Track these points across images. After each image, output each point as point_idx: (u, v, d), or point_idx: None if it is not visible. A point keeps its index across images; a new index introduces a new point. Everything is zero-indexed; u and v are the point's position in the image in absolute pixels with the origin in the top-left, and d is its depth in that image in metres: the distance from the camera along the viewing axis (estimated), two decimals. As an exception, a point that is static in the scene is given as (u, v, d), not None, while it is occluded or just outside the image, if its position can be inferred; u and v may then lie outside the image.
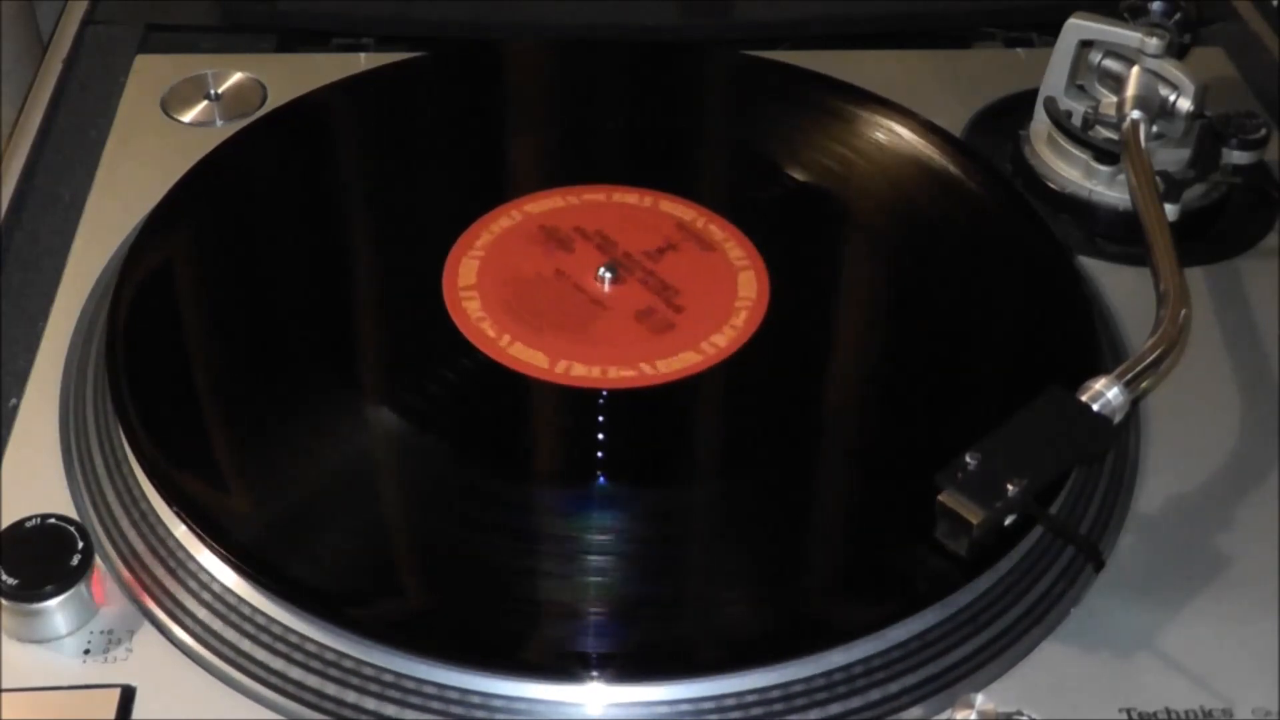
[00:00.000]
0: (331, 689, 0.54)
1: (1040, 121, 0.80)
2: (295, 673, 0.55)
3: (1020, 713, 0.52)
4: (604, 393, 0.64)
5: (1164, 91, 0.75)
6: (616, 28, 0.92)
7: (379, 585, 0.58)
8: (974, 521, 0.55)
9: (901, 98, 0.81)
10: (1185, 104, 0.74)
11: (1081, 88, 0.79)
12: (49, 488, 0.62)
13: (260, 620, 0.56)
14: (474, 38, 0.90)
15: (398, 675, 0.54)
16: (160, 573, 0.58)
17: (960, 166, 0.77)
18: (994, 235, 0.74)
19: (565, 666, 0.54)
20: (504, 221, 0.73)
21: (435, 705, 0.54)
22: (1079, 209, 0.77)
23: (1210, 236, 0.76)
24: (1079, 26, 0.77)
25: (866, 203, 0.76)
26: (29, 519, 0.57)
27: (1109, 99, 0.77)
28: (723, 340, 0.66)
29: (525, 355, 0.66)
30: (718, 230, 0.72)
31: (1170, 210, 0.72)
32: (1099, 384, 0.59)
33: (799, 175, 0.77)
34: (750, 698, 0.54)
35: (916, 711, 0.55)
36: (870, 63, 0.87)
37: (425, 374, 0.65)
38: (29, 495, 0.61)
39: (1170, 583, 0.60)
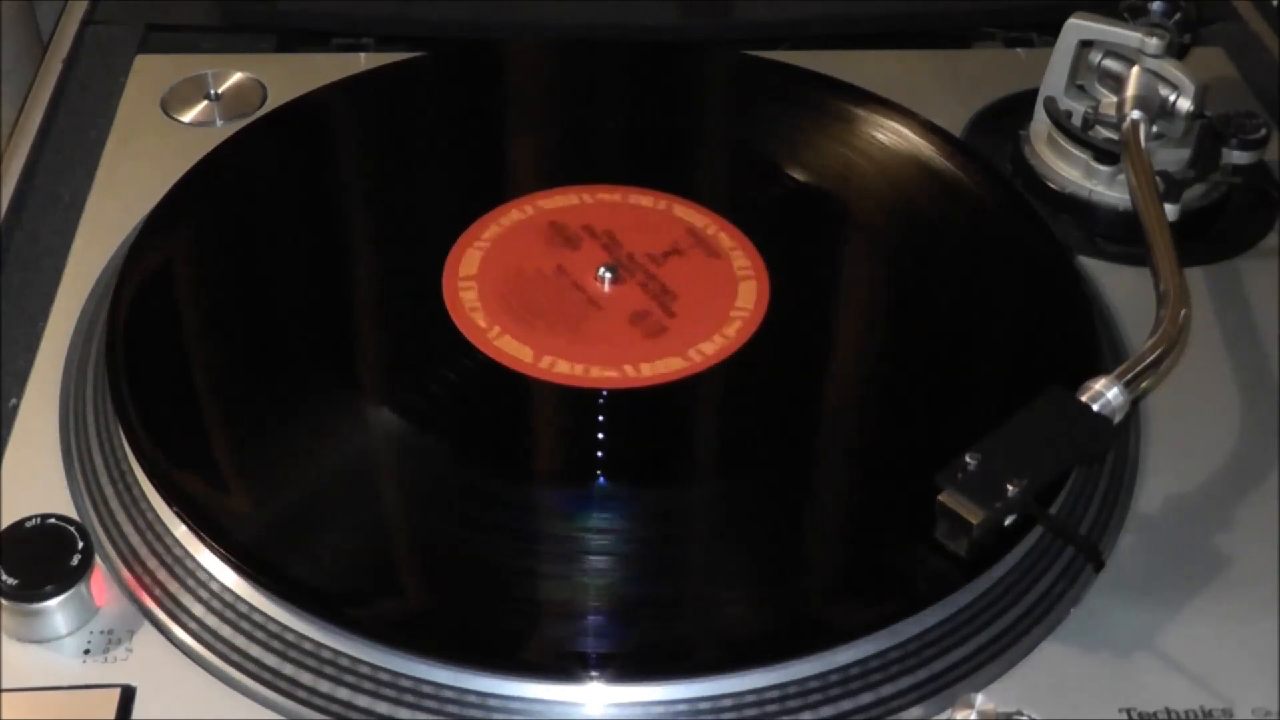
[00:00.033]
0: (331, 689, 0.54)
1: (1040, 121, 0.80)
2: (295, 672, 0.55)
3: (1020, 713, 0.52)
4: (581, 391, 0.64)
5: (1164, 91, 0.75)
6: (616, 28, 0.92)
7: (379, 585, 0.58)
8: (974, 521, 0.55)
9: (901, 98, 0.81)
10: (1185, 104, 0.74)
11: (1081, 88, 0.79)
12: (49, 488, 0.62)
13: (260, 620, 0.56)
14: (474, 38, 0.90)
15: (398, 675, 0.54)
16: (160, 573, 0.58)
17: (960, 166, 0.76)
18: (994, 235, 0.74)
19: (565, 666, 0.54)
20: (515, 215, 0.73)
21: (429, 704, 0.54)
22: (1079, 209, 0.77)
23: (1210, 236, 0.76)
24: (1079, 26, 0.77)
25: (867, 203, 0.76)
26: (29, 519, 0.57)
27: (1109, 99, 0.78)
28: (711, 348, 0.66)
29: (511, 348, 0.66)
30: (727, 239, 0.72)
31: (1170, 210, 0.72)
32: (1099, 384, 0.59)
33: (806, 177, 0.77)
34: (750, 698, 0.54)
35: (916, 711, 0.55)
36: (870, 63, 0.87)
37: (409, 360, 0.66)
38: (29, 495, 0.61)
39: (1170, 583, 0.60)
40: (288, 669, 0.55)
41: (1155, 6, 0.77)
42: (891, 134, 0.78)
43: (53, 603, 0.55)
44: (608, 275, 0.70)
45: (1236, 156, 0.76)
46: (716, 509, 0.61)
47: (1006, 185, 0.77)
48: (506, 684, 0.54)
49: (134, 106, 0.83)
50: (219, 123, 0.83)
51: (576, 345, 0.66)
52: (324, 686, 0.54)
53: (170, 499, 0.59)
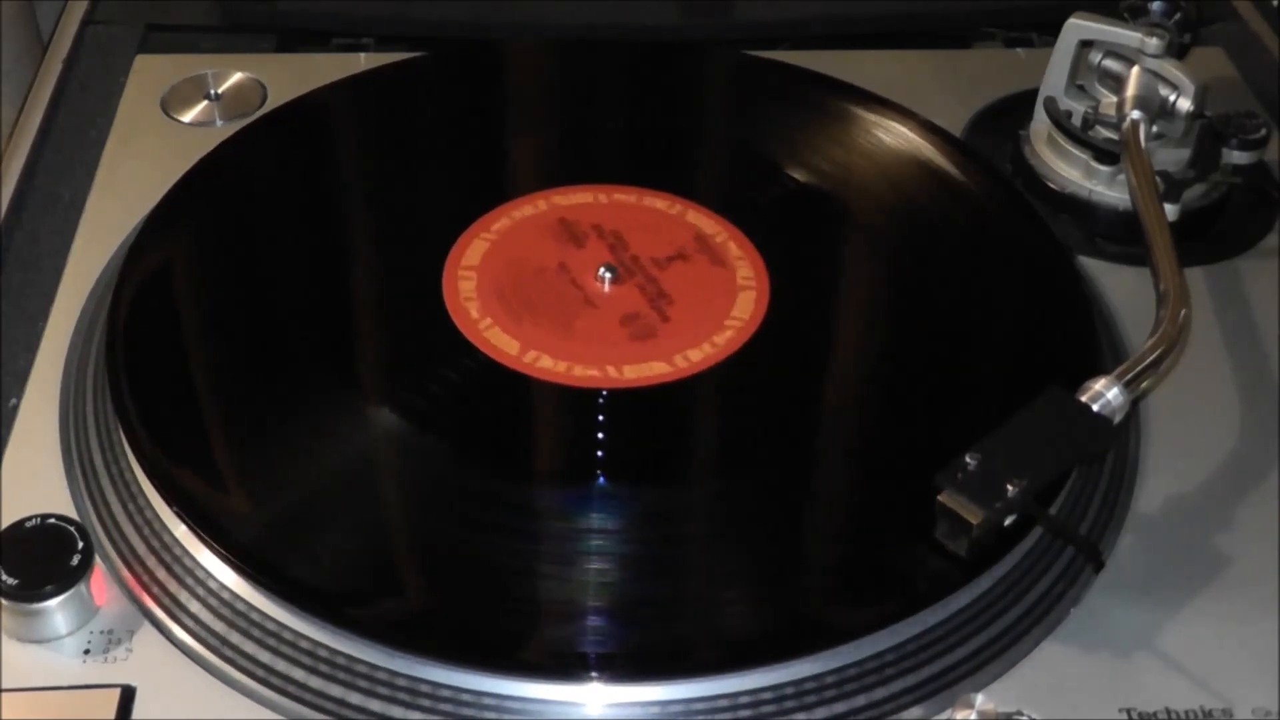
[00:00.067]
0: (331, 688, 0.54)
1: (1040, 121, 0.80)
2: (295, 673, 0.55)
3: (1020, 713, 0.52)
4: (562, 389, 0.64)
5: (1164, 91, 0.75)
6: (616, 28, 0.92)
7: (379, 585, 0.58)
8: (974, 522, 0.55)
9: (901, 98, 0.81)
10: (1185, 104, 0.74)
11: (1081, 88, 0.79)
12: (49, 488, 0.62)
13: (260, 620, 0.56)
14: (474, 38, 0.90)
15: (398, 675, 0.54)
16: (160, 573, 0.58)
17: (960, 166, 0.77)
18: (994, 235, 0.74)
19: (565, 666, 0.54)
20: (527, 209, 0.73)
21: (424, 703, 0.54)
22: (1079, 209, 0.77)
23: (1210, 236, 0.76)
24: (1079, 26, 0.77)
25: (866, 203, 0.76)
26: (29, 519, 0.57)
27: (1109, 99, 0.77)
28: (698, 355, 0.66)
29: (498, 340, 0.66)
30: (735, 248, 0.72)
31: (1170, 210, 0.72)
32: (1099, 384, 0.59)
33: (808, 177, 0.77)
34: (750, 698, 0.54)
35: (916, 711, 0.55)
36: (870, 63, 0.87)
37: (401, 350, 0.66)
38: (29, 495, 0.61)
39: (1170, 583, 0.60)
40: (287, 669, 0.55)
41: (1155, 6, 0.77)
42: (891, 134, 0.78)
43: (53, 603, 0.55)
44: (607, 275, 0.70)
45: (1236, 156, 0.76)
46: (715, 509, 0.61)
47: (1006, 185, 0.77)
48: (506, 684, 0.54)
49: (134, 106, 0.83)
50: (219, 123, 0.83)
51: (564, 342, 0.66)
52: (324, 686, 0.54)
53: (170, 499, 0.59)
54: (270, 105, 0.83)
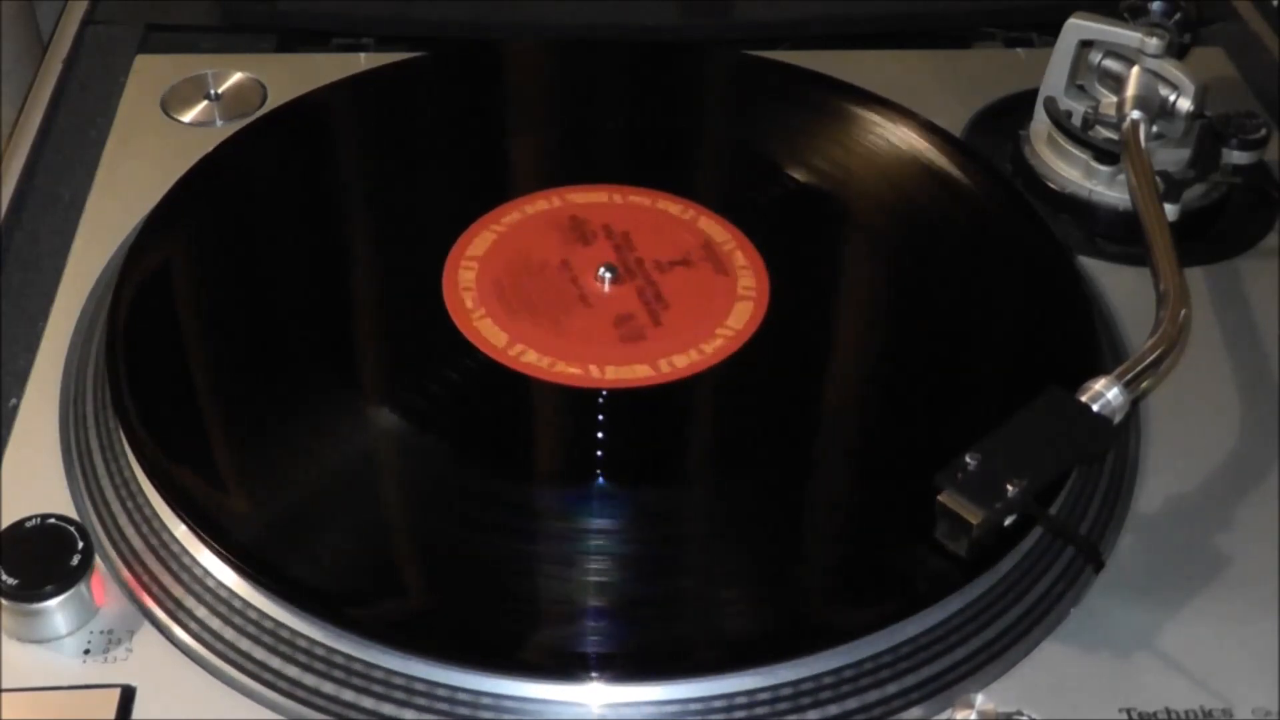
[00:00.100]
0: (331, 688, 0.54)
1: (1040, 121, 0.80)
2: (295, 672, 0.55)
3: (1020, 713, 0.52)
4: (540, 384, 0.64)
5: (1164, 91, 0.75)
6: (616, 28, 0.92)
7: (379, 585, 0.58)
8: (974, 522, 0.55)
9: (901, 98, 0.81)
10: (1185, 104, 0.74)
11: (1081, 88, 0.79)
12: (49, 488, 0.62)
13: (260, 620, 0.56)
14: (474, 38, 0.90)
15: (397, 674, 0.54)
16: (160, 573, 0.58)
17: (960, 166, 0.77)
18: (994, 235, 0.74)
19: (565, 666, 0.54)
20: (541, 204, 0.73)
21: (420, 701, 0.54)
22: (1079, 209, 0.77)
23: (1210, 236, 0.76)
24: (1079, 26, 0.77)
25: (867, 203, 0.76)
26: (29, 519, 0.57)
27: (1109, 99, 0.77)
28: (683, 361, 0.66)
29: (487, 331, 0.66)
30: (742, 258, 0.71)
31: (1170, 210, 0.72)
32: (1099, 384, 0.59)
33: (809, 177, 0.77)
34: (750, 698, 0.54)
35: (916, 712, 0.55)
36: (870, 63, 0.87)
37: (395, 340, 0.67)
38: (29, 495, 0.61)
39: (1170, 583, 0.60)
40: (287, 669, 0.55)
41: (1155, 6, 0.77)
42: (891, 134, 0.78)
43: (53, 603, 0.55)
44: (607, 275, 0.70)
45: (1236, 156, 0.76)
46: (715, 509, 0.61)
47: (1006, 185, 0.77)
48: (506, 684, 0.54)
49: (134, 106, 0.83)
50: (219, 123, 0.83)
51: (553, 338, 0.66)
52: (323, 686, 0.54)
53: (170, 499, 0.59)
54: (270, 105, 0.83)
